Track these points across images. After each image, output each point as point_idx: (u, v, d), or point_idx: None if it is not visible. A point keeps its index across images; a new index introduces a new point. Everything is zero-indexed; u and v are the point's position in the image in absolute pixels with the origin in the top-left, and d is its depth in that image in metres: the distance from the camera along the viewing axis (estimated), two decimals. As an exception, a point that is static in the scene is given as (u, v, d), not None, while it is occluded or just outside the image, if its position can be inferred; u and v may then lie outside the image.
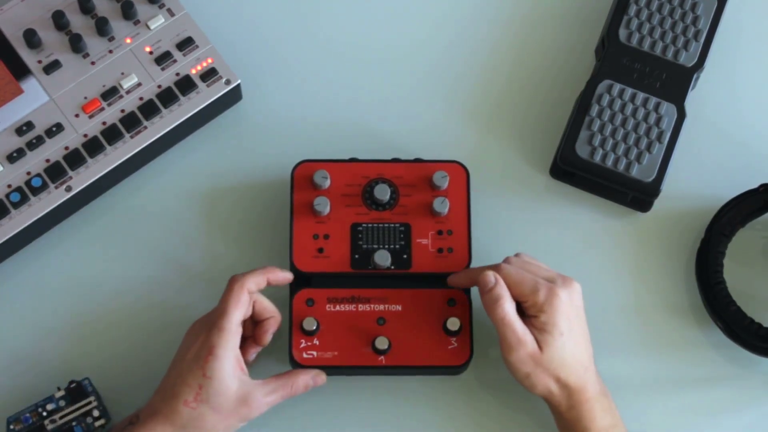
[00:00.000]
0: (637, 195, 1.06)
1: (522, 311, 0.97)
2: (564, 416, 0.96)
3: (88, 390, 0.98)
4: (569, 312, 0.96)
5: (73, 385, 0.98)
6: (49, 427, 0.97)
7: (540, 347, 0.95)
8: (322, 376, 0.98)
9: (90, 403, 0.98)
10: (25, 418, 0.97)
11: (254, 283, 0.96)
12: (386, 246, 1.02)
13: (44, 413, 0.97)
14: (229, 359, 0.93)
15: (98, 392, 0.99)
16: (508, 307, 0.95)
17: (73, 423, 0.97)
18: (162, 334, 1.03)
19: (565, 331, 0.95)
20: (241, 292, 0.95)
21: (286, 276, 0.99)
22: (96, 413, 0.98)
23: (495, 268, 0.97)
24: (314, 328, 0.99)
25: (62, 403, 0.98)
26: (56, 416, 0.97)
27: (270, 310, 0.99)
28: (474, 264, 1.02)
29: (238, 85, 1.07)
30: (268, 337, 0.99)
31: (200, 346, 0.93)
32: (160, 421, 0.92)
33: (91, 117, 1.05)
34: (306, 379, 0.97)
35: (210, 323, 0.94)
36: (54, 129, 1.04)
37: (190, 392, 0.92)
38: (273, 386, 0.95)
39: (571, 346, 0.95)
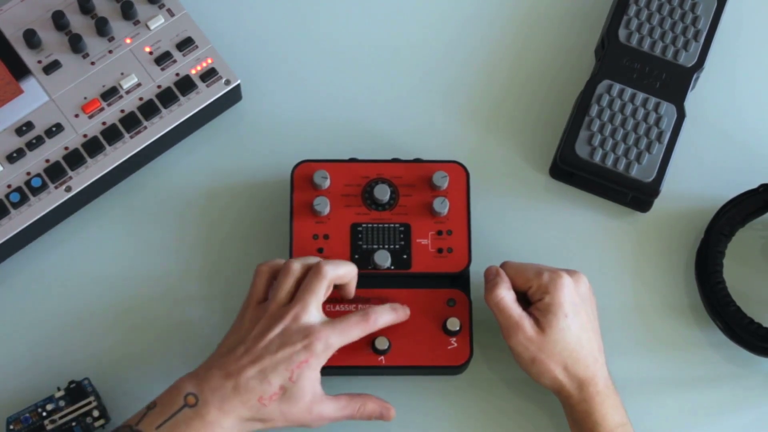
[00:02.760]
0: (637, 195, 1.06)
1: (527, 302, 0.98)
2: (575, 409, 0.96)
3: (87, 390, 0.98)
4: (574, 297, 0.96)
5: (73, 385, 0.98)
6: (49, 427, 0.97)
7: (543, 329, 0.95)
8: (392, 412, 0.96)
9: (90, 403, 0.98)
10: (25, 418, 0.97)
11: (385, 324, 0.96)
12: (386, 246, 1.02)
13: (44, 413, 0.97)
14: (317, 372, 0.91)
15: (98, 392, 0.99)
16: (503, 293, 0.96)
17: (73, 423, 0.97)
18: (162, 335, 1.03)
19: (570, 314, 0.95)
20: (370, 330, 0.94)
21: (407, 314, 0.98)
22: (96, 413, 0.98)
23: (501, 265, 0.99)
24: (314, 328, 0.99)
25: (62, 403, 0.98)
26: (56, 416, 0.97)
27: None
28: (474, 264, 1.02)
29: (238, 85, 1.07)
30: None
31: (300, 349, 0.91)
32: (229, 413, 0.89)
33: (90, 117, 1.05)
34: (374, 407, 0.95)
35: (319, 330, 0.91)
36: (54, 129, 1.04)
37: (268, 390, 0.89)
38: (342, 404, 0.94)
39: (577, 331, 0.96)
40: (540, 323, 0.96)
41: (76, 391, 0.98)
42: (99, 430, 0.98)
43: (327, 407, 0.93)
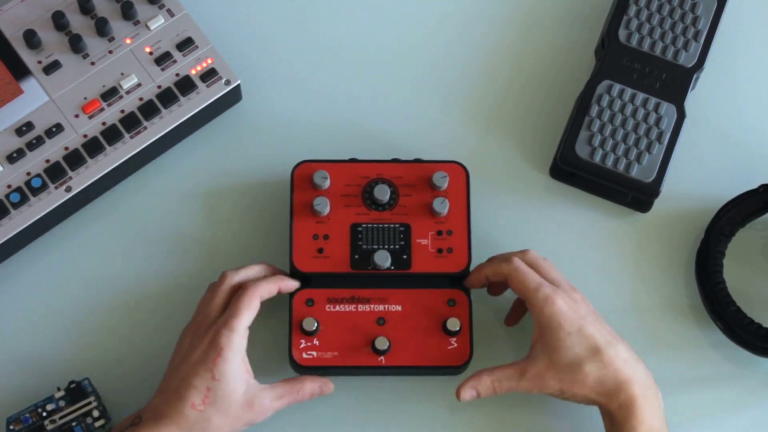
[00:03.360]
0: (637, 195, 1.06)
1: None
2: (614, 419, 0.94)
3: (87, 390, 0.98)
4: (571, 314, 0.95)
5: (73, 385, 0.99)
6: (49, 427, 0.97)
7: (548, 354, 0.94)
8: (330, 385, 0.98)
9: (90, 403, 0.98)
10: (25, 418, 0.97)
11: (267, 291, 0.97)
12: (386, 246, 1.02)
13: (44, 413, 0.97)
14: (237, 362, 0.92)
15: (98, 392, 0.99)
16: (495, 374, 0.96)
17: (73, 423, 0.97)
18: (162, 335, 1.03)
19: (573, 332, 0.94)
20: (255, 299, 0.95)
21: (294, 285, 1.00)
22: (96, 413, 0.98)
23: (507, 260, 0.98)
24: (314, 328, 0.99)
25: (62, 403, 0.98)
26: (56, 416, 0.97)
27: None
28: (474, 264, 1.02)
29: (238, 85, 1.07)
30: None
31: (207, 348, 0.92)
32: (165, 424, 0.91)
33: (90, 117, 1.05)
34: (313, 386, 0.97)
35: (218, 324, 0.93)
36: (54, 129, 1.04)
37: (197, 395, 0.91)
38: (279, 391, 0.95)
39: (592, 343, 0.94)
40: (544, 349, 0.94)
41: (76, 391, 0.98)
42: (99, 431, 0.98)
43: (265, 398, 0.93)
